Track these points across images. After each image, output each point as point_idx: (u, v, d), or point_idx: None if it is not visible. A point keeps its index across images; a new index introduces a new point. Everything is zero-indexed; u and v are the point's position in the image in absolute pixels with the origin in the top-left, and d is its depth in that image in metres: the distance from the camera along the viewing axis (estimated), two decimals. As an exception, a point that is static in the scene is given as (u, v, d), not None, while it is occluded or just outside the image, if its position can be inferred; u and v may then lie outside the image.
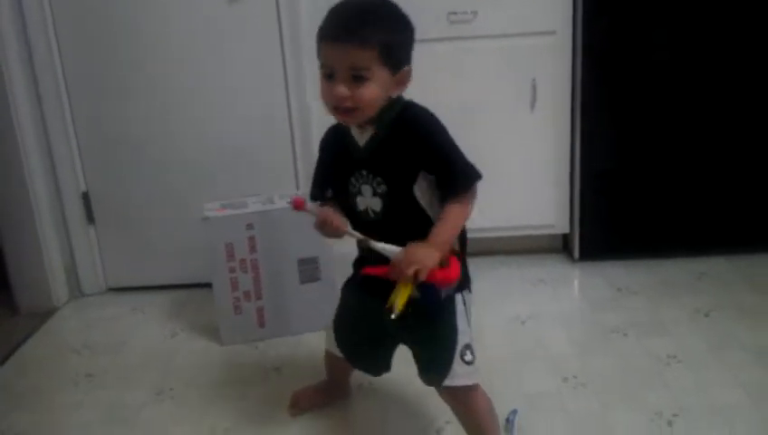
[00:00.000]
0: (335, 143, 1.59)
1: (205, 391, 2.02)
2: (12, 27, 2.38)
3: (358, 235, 1.50)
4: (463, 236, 1.53)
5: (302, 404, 1.89)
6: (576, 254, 2.68)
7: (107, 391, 2.06)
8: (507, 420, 1.75)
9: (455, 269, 1.41)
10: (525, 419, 1.77)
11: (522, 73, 2.49)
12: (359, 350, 1.73)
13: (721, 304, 2.31)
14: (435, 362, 1.56)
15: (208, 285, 2.27)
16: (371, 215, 1.52)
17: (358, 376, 1.90)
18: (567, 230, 2.70)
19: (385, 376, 1.79)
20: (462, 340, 1.53)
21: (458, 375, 1.53)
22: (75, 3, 2.42)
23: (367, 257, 1.53)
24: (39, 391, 2.08)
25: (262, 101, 2.50)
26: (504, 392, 1.84)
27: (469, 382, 1.54)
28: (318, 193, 1.62)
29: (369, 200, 1.52)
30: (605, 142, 2.55)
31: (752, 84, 2.46)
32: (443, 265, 1.39)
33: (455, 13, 2.43)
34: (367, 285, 1.53)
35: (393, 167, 1.47)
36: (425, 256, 1.36)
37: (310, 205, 1.55)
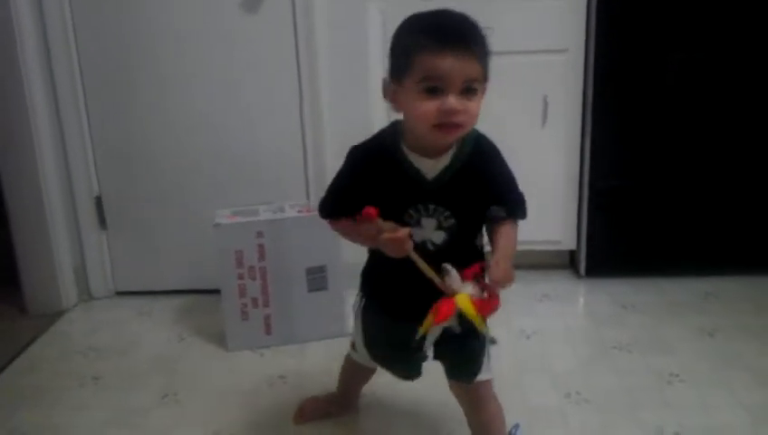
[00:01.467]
0: (383, 169, 1.44)
1: (210, 397, 2.03)
2: (32, 32, 2.40)
3: (422, 263, 1.37)
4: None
5: (307, 414, 1.89)
6: (582, 270, 2.68)
7: (113, 394, 2.07)
8: (510, 433, 1.75)
9: (497, 299, 1.38)
10: (527, 433, 1.77)
11: (534, 90, 2.51)
12: (394, 358, 1.65)
13: (726, 324, 2.31)
14: (470, 365, 1.54)
15: (216, 292, 2.28)
16: (430, 247, 1.44)
17: (363, 388, 1.91)
18: (574, 247, 2.71)
19: (389, 389, 1.81)
20: (488, 337, 1.53)
21: (486, 369, 1.55)
22: (94, 9, 2.45)
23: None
24: (45, 391, 2.09)
25: (276, 111, 2.52)
26: (507, 406, 1.83)
27: (491, 376, 1.56)
28: (333, 212, 1.51)
29: (429, 233, 1.44)
30: (614, 160, 2.56)
31: (761, 105, 2.48)
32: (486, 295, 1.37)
33: (468, 28, 2.44)
34: (392, 311, 1.53)
35: (467, 200, 1.44)
36: (513, 273, 1.36)
37: (381, 221, 1.36)
